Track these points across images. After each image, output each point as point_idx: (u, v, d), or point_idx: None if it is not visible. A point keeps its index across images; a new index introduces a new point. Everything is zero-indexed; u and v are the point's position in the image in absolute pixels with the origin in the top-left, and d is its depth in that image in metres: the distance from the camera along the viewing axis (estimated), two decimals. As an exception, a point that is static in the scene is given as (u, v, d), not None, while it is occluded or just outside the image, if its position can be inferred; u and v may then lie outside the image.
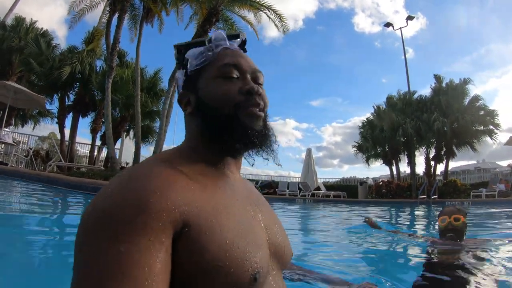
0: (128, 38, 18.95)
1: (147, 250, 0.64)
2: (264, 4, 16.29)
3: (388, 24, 23.47)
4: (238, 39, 1.05)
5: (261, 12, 16.61)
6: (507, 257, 2.75)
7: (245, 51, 1.05)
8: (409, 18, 22.37)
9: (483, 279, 2.12)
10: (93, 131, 20.48)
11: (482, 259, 2.59)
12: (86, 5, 16.87)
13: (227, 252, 0.75)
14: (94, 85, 19.67)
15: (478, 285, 2.05)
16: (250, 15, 17.37)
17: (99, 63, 21.13)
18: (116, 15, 15.48)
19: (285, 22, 16.64)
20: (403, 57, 22.15)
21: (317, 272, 1.41)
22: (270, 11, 16.39)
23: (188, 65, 0.98)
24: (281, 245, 0.97)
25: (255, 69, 0.99)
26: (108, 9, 16.20)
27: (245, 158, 1.00)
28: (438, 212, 3.15)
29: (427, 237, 3.48)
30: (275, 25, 16.82)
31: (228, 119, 0.90)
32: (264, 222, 0.94)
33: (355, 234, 4.77)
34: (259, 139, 0.92)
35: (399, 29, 22.55)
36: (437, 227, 3.16)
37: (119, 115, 20.14)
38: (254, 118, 0.92)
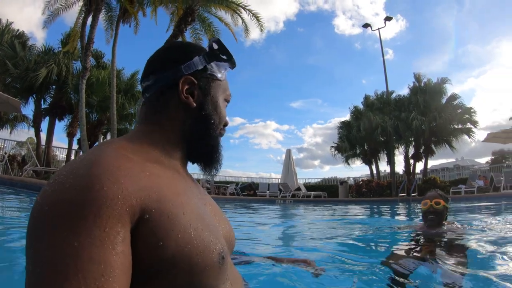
0: (105, 40, 18.74)
1: (102, 242, 0.60)
2: (240, 5, 16.23)
3: (366, 25, 23.60)
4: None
5: (238, 14, 16.55)
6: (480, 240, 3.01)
7: None
8: (387, 18, 22.58)
9: (454, 262, 2.31)
10: (70, 135, 20.05)
11: (457, 244, 2.85)
12: (62, 5, 16.61)
13: (193, 234, 0.75)
14: (70, 88, 19.26)
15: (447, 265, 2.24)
16: (227, 17, 17.33)
17: (76, 65, 20.67)
18: (92, 15, 15.23)
19: (262, 22, 16.63)
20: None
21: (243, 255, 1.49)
22: (247, 11, 16.32)
23: (211, 66, 0.99)
24: (228, 232, 1.02)
25: None
26: (84, 9, 15.94)
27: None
28: (417, 210, 3.30)
29: (411, 225, 3.71)
30: (245, 29, 16.83)
31: (217, 137, 1.00)
32: (213, 211, 0.99)
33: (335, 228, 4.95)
34: (217, 165, 1.02)
35: (377, 30, 22.75)
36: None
37: (96, 117, 19.80)
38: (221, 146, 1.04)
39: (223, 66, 1.01)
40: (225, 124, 1.04)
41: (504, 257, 2.45)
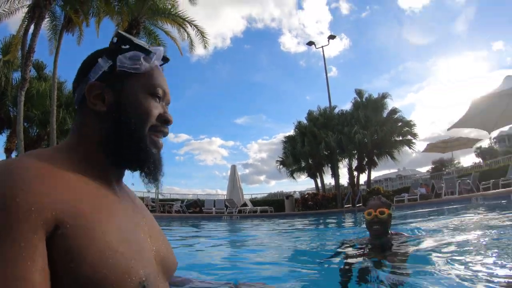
0: (49, 50, 17.96)
1: (18, 258, 0.56)
2: (186, 19, 16.24)
3: (310, 43, 24.43)
4: (162, 62, 1.01)
5: (184, 29, 16.55)
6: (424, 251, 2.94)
7: None
8: (331, 37, 23.45)
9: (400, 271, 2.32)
10: (7, 151, 18.85)
11: (403, 252, 2.78)
12: (5, 10, 15.73)
13: (111, 258, 0.67)
14: (9, 100, 18.28)
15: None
16: (174, 31, 17.28)
17: (16, 76, 19.53)
18: (34, 22, 14.61)
19: (207, 39, 16.78)
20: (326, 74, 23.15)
21: (198, 280, 1.41)
22: (192, 26, 16.34)
23: (119, 61, 0.89)
24: (166, 255, 0.92)
25: (169, 99, 0.98)
26: (27, 16, 15.20)
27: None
28: (363, 219, 3.21)
29: (358, 239, 3.52)
30: (191, 44, 16.86)
31: (141, 137, 0.87)
32: (148, 232, 0.89)
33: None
34: (152, 168, 0.90)
35: (321, 48, 23.56)
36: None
37: (36, 132, 18.92)
38: (157, 147, 0.91)
39: (136, 56, 0.90)
40: (165, 121, 0.92)
41: (448, 260, 2.50)
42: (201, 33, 16.50)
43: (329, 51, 68.94)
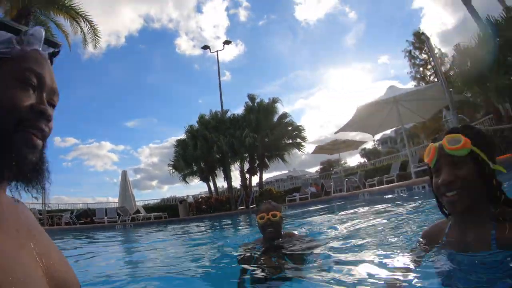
0: None
1: None
2: (80, 13, 15.19)
3: (205, 47, 25.02)
4: (52, 49, 0.86)
5: (77, 23, 15.41)
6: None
7: (50, 63, 0.86)
8: (226, 42, 24.31)
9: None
10: None
11: (298, 251, 2.87)
12: None
13: None
14: None
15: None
16: (67, 24, 16.00)
17: None
18: None
19: (99, 37, 16.00)
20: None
21: None
22: (86, 22, 15.32)
23: None
24: (64, 277, 0.80)
25: (54, 90, 0.83)
26: None
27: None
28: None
29: (252, 242, 3.49)
30: (84, 40, 15.82)
31: (5, 132, 0.71)
32: (38, 252, 0.76)
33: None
34: (19, 174, 0.74)
35: (216, 52, 24.13)
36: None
37: None
38: (29, 146, 0.74)
39: (7, 41, 0.77)
40: (40, 113, 0.76)
41: (340, 253, 2.66)
42: (94, 30, 15.60)
43: (224, 56, 69.54)
